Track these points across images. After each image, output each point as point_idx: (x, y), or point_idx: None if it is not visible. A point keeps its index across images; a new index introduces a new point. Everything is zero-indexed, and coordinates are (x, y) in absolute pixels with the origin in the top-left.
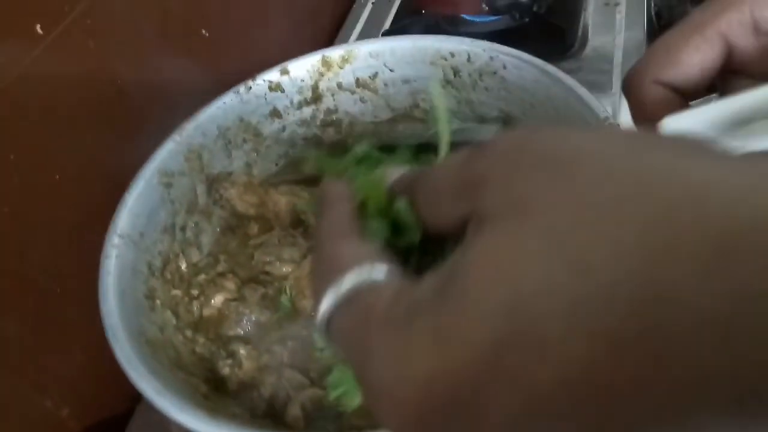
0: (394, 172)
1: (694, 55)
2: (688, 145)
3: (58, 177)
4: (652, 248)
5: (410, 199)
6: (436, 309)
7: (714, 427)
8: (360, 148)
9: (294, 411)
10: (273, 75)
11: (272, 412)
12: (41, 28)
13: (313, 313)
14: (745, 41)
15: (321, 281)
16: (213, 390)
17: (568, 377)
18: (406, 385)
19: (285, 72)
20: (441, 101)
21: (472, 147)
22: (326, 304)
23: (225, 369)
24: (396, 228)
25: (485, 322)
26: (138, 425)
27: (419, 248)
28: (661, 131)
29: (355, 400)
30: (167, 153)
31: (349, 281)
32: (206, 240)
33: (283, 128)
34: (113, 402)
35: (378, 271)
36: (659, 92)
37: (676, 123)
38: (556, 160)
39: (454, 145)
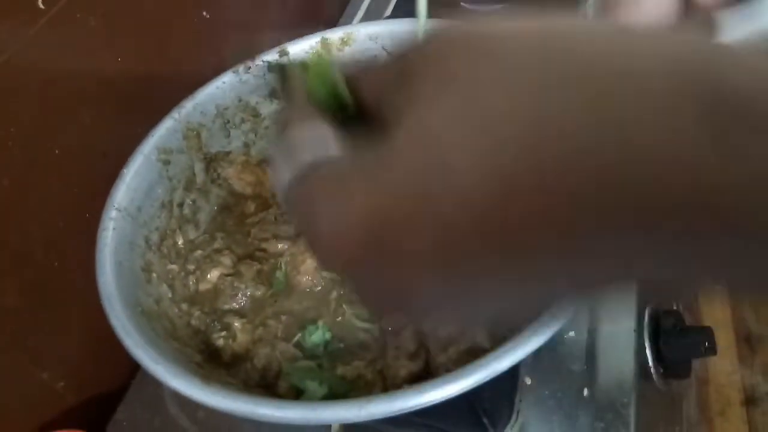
0: (343, 61)
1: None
2: (589, 23)
3: (57, 152)
4: (546, 100)
5: (352, 83)
6: (370, 166)
7: (590, 242)
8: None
9: (286, 382)
10: (272, 56)
11: (264, 383)
12: (42, 2)
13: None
14: None
15: (283, 157)
16: (207, 360)
17: (469, 206)
18: (344, 227)
19: (284, 53)
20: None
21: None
22: (286, 177)
23: (219, 341)
24: (337, 105)
25: (408, 170)
26: (133, 399)
27: (360, 127)
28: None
29: None
30: (165, 130)
31: (306, 157)
32: (203, 217)
33: (282, 109)
34: (109, 377)
35: (332, 149)
36: None
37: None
38: (477, 46)
39: None
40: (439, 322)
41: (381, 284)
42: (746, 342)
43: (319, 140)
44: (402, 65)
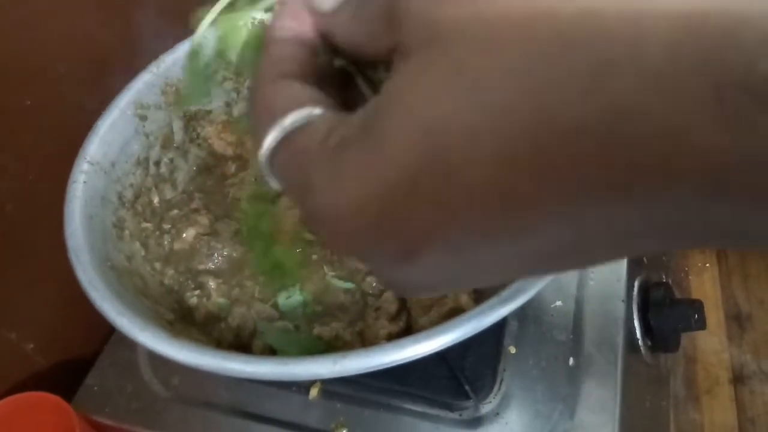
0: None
1: None
2: None
3: (29, 102)
4: (541, 76)
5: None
6: (361, 143)
7: (595, 209)
8: None
9: (261, 342)
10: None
11: (239, 343)
12: None
13: (256, 151)
14: None
15: (262, 121)
16: (179, 319)
17: (470, 193)
18: (338, 210)
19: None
20: None
21: None
22: (269, 141)
23: (193, 299)
24: None
25: (402, 154)
26: (105, 364)
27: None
28: None
29: None
30: (143, 84)
31: (290, 121)
32: (181, 177)
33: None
34: (82, 340)
35: (316, 112)
36: None
37: None
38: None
39: None
40: (440, 291)
41: (384, 257)
42: (735, 320)
43: (303, 103)
44: (389, 6)
